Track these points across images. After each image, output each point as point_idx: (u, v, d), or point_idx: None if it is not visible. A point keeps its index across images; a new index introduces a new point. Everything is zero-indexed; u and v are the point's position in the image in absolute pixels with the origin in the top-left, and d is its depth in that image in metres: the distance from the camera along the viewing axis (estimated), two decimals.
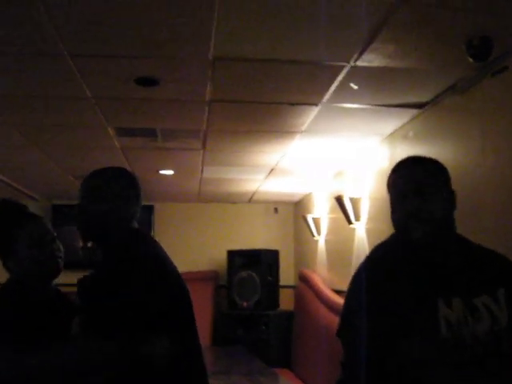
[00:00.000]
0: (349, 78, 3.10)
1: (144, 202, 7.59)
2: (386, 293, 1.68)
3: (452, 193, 1.80)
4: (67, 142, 4.65)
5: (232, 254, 7.23)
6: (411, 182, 1.76)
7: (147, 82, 3.14)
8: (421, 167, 1.81)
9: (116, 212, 2.14)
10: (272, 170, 5.58)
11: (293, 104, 3.62)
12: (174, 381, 1.92)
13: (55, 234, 2.35)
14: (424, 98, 3.45)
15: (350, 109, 3.66)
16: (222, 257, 7.33)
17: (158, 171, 5.70)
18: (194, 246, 7.59)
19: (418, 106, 3.58)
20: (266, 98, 3.52)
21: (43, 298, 2.23)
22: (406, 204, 1.73)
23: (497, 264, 1.80)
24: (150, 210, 7.57)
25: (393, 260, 1.78)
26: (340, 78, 3.11)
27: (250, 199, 7.49)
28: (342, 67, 2.97)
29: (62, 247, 2.35)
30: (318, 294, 5.84)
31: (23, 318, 2.04)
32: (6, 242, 2.25)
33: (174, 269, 2.15)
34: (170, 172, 5.75)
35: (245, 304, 6.98)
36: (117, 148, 4.73)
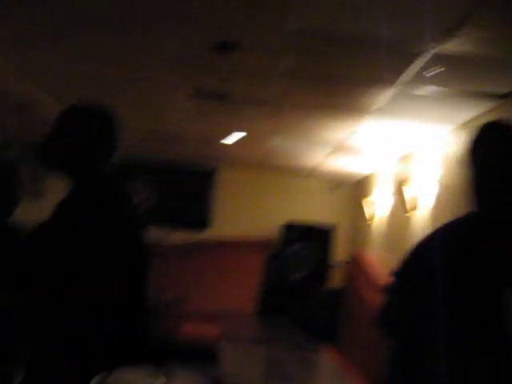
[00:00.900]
0: (429, 62, 3.04)
1: (208, 165, 7.77)
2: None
3: None
4: (143, 101, 4.74)
5: (288, 226, 7.28)
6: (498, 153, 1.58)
7: (228, 46, 3.17)
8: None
9: (83, 151, 1.99)
10: (337, 146, 5.56)
11: (369, 83, 3.59)
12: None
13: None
14: (504, 88, 3.36)
15: (426, 94, 3.60)
16: (277, 228, 7.38)
17: (225, 136, 5.76)
18: (252, 214, 7.66)
19: (497, 96, 3.49)
20: (343, 74, 3.51)
21: None
22: (491, 178, 1.58)
23: None
24: (213, 172, 7.69)
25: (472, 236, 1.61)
26: (420, 61, 3.06)
27: (312, 174, 7.49)
28: (423, 51, 2.92)
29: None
30: (367, 276, 5.84)
31: None
32: None
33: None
34: (237, 138, 5.79)
35: (295, 276, 7.03)
36: (191, 109, 4.80)
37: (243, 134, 5.60)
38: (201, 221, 7.62)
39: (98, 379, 1.47)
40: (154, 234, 7.89)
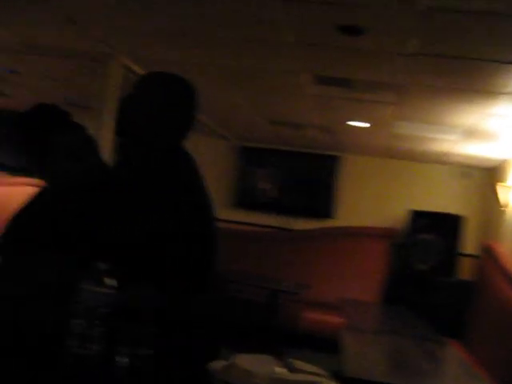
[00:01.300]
0: None
1: (332, 152, 7.75)
2: None
3: None
4: (266, 87, 4.78)
5: (415, 214, 7.06)
6: None
7: (351, 30, 3.09)
8: None
9: (156, 121, 1.86)
10: (469, 131, 5.27)
11: (503, 62, 3.34)
12: None
13: (96, 146, 2.12)
14: None
15: None
16: (403, 216, 7.18)
17: (348, 122, 5.67)
18: (376, 201, 7.51)
19: None
20: (475, 53, 3.29)
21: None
22: None
23: None
24: (336, 160, 7.61)
25: None
26: None
27: (440, 160, 7.18)
28: None
29: (102, 159, 2.13)
30: (504, 270, 5.50)
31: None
32: (43, 150, 2.06)
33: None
34: (360, 124, 5.69)
35: (421, 266, 6.81)
36: (313, 95, 4.77)
37: (368, 119, 5.48)
38: (324, 209, 7.57)
39: (220, 364, 1.48)
40: (278, 221, 8.02)
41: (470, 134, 5.35)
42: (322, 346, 5.43)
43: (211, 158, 7.38)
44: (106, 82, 4.33)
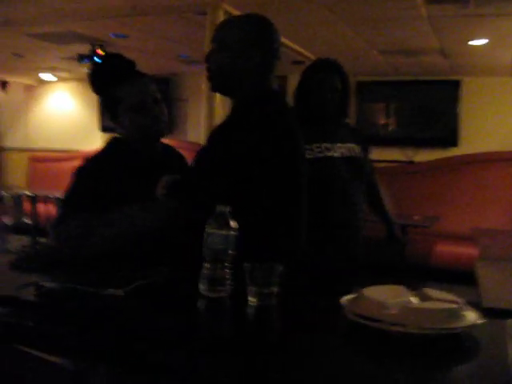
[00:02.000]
0: None
1: (451, 77, 7.33)
2: None
3: None
4: (373, 15, 4.57)
5: None
6: None
7: None
8: None
9: (240, 62, 1.88)
10: None
11: None
12: None
13: (159, 96, 2.13)
14: None
15: None
16: None
17: (467, 42, 5.30)
18: (503, 125, 7.03)
19: None
20: None
21: (143, 163, 2.11)
22: None
23: None
24: (457, 85, 7.18)
25: None
26: None
27: None
28: None
29: (165, 110, 2.15)
30: None
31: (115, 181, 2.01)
32: (111, 103, 2.11)
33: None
34: (482, 42, 5.29)
35: None
36: (424, 18, 4.49)
37: (489, 36, 5.09)
38: (448, 137, 7.22)
39: (349, 297, 1.46)
40: (402, 155, 7.79)
41: None
42: (458, 278, 5.27)
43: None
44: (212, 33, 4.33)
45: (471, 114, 7.11)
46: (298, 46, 5.81)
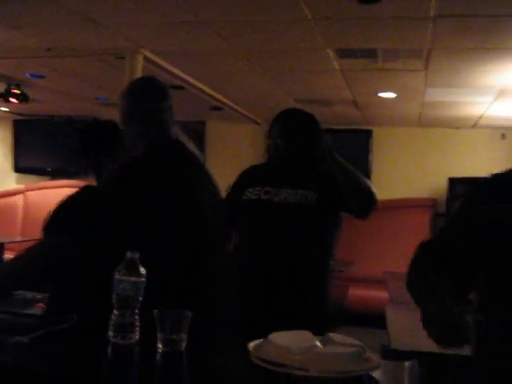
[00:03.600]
0: None
1: (363, 126, 7.62)
2: None
3: None
4: (288, 66, 4.75)
5: (453, 182, 6.94)
6: None
7: None
8: None
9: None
10: (501, 91, 5.13)
11: None
12: None
13: None
14: None
15: None
16: (442, 184, 7.07)
17: (377, 94, 5.59)
18: (413, 172, 7.39)
19: None
20: (497, 10, 3.19)
21: None
22: None
23: None
24: (368, 134, 7.51)
25: None
26: None
27: (475, 124, 7.02)
28: None
29: None
30: None
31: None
32: (98, 159, 2.42)
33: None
34: (390, 95, 5.60)
35: None
36: (337, 70, 4.71)
37: (397, 89, 5.39)
38: None
39: (256, 342, 1.48)
40: None
41: (504, 93, 5.21)
42: (371, 321, 5.41)
43: (246, 143, 7.40)
44: (131, 76, 4.36)
45: (382, 161, 7.44)
46: (216, 93, 5.92)
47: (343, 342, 1.51)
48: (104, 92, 6.10)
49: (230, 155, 7.39)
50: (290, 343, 1.42)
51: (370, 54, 4.19)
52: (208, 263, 1.89)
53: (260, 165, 2.78)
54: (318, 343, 1.47)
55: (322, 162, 2.62)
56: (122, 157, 2.27)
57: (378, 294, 5.96)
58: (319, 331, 1.55)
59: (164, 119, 2.14)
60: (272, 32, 3.82)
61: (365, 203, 2.62)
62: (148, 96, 2.15)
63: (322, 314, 2.61)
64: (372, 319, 5.23)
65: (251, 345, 1.45)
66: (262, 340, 1.47)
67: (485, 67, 4.36)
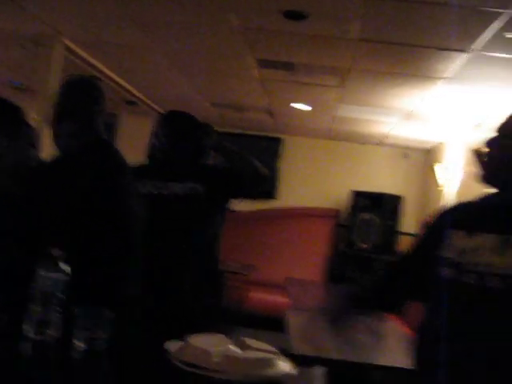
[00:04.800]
0: (506, 25, 2.91)
1: (274, 134, 7.75)
2: None
3: None
4: (209, 69, 4.79)
5: (356, 195, 7.23)
6: None
7: (296, 15, 3.14)
8: None
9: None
10: (408, 114, 5.44)
11: (441, 49, 3.47)
12: None
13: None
14: None
15: (503, 59, 3.46)
16: (345, 196, 7.35)
17: (291, 104, 5.74)
18: (319, 183, 7.64)
19: None
20: (414, 40, 3.41)
21: None
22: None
23: None
24: (278, 142, 7.69)
25: None
26: (495, 25, 2.94)
27: (381, 142, 7.38)
28: (499, 14, 2.79)
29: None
30: None
31: None
32: None
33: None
34: (303, 107, 5.77)
35: (363, 246, 7.00)
36: (256, 79, 4.81)
37: (311, 102, 5.56)
38: (267, 190, 7.64)
39: (175, 344, 1.52)
40: None
41: (409, 116, 5.52)
42: (268, 324, 5.53)
43: None
44: (48, 64, 4.26)
45: (290, 170, 7.64)
46: (132, 88, 5.86)
47: (258, 347, 1.58)
48: (20, 77, 5.88)
49: (143, 149, 7.31)
50: (208, 346, 1.47)
51: (290, 66, 4.31)
52: (131, 260, 1.90)
53: (144, 163, 2.93)
54: (235, 348, 1.54)
55: (216, 152, 2.95)
56: (23, 140, 2.19)
57: (278, 299, 6.10)
58: (215, 330, 1.64)
59: (95, 120, 2.13)
60: (195, 34, 3.85)
61: (254, 183, 2.86)
62: (81, 96, 2.13)
63: (217, 312, 2.76)
64: (271, 322, 5.35)
65: (170, 345, 1.49)
66: (180, 342, 1.52)
67: (395, 90, 4.61)
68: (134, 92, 6.04)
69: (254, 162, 2.84)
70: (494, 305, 1.42)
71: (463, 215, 1.64)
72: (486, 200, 1.63)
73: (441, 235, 1.59)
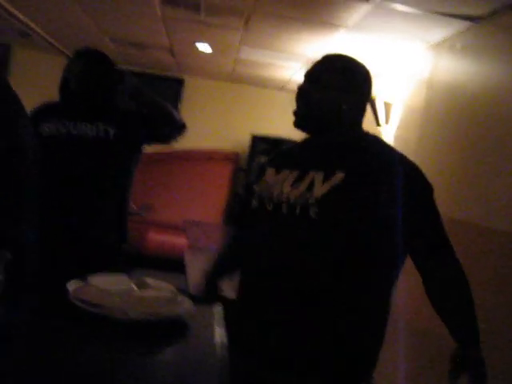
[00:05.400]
0: None
1: (175, 75, 7.66)
2: None
3: None
4: (109, 3, 4.60)
5: (256, 139, 7.30)
6: None
7: None
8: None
9: None
10: (309, 60, 5.49)
11: None
12: None
13: None
14: (479, 11, 3.35)
15: (401, 11, 3.56)
16: (245, 140, 7.40)
17: (194, 45, 5.65)
18: (220, 125, 7.65)
19: (471, 18, 3.48)
20: None
21: None
22: None
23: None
24: (180, 83, 7.57)
25: None
26: None
27: (283, 87, 7.44)
28: None
29: None
30: None
31: None
32: None
33: None
34: (206, 47, 5.70)
35: None
36: (158, 17, 4.68)
37: (214, 43, 5.50)
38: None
39: (75, 284, 1.52)
40: None
41: (311, 62, 5.59)
42: (169, 265, 5.59)
43: (54, 75, 6.99)
44: None
45: (191, 111, 7.56)
46: (26, 18, 5.53)
47: (157, 285, 1.61)
48: None
49: (38, 86, 6.97)
50: (109, 286, 1.48)
51: (194, 5, 4.23)
52: (26, 201, 1.84)
53: (55, 102, 2.82)
54: (135, 287, 1.56)
55: (131, 99, 2.83)
56: None
57: (177, 240, 6.16)
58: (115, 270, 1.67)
59: None
60: None
61: (169, 130, 3.03)
62: None
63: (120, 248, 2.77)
64: (170, 263, 5.41)
65: (70, 285, 1.49)
66: (80, 281, 1.52)
67: (298, 36, 4.65)
68: (30, 24, 5.70)
69: (169, 108, 2.85)
70: (285, 228, 1.74)
71: (278, 156, 1.98)
72: (300, 143, 1.90)
73: (261, 173, 1.93)
